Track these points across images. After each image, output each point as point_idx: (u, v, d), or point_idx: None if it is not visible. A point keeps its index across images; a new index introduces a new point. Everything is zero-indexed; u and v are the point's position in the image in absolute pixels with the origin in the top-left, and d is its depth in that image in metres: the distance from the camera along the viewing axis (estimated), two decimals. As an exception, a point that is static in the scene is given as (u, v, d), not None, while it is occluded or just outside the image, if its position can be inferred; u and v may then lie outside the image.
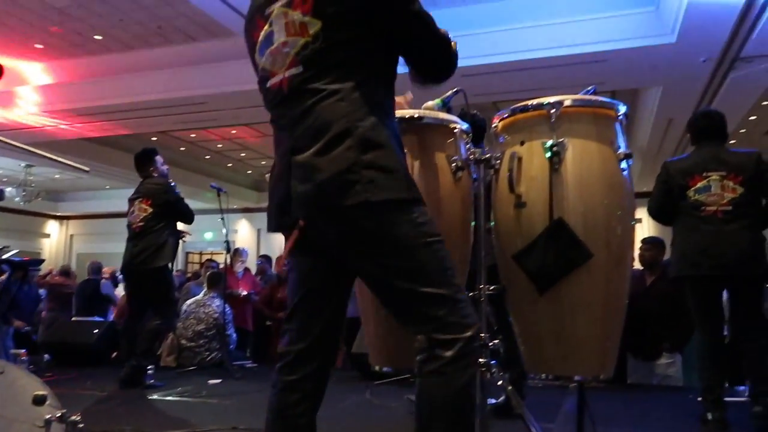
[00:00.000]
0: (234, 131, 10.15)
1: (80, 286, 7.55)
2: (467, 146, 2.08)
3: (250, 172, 13.54)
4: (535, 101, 1.99)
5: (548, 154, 1.92)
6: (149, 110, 8.21)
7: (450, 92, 2.22)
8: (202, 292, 5.88)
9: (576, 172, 1.91)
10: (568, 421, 2.48)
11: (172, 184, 4.49)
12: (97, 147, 10.44)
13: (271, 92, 1.53)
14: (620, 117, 2.03)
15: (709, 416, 2.89)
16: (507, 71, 6.45)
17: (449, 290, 1.37)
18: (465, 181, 2.03)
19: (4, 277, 4.88)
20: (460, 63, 1.61)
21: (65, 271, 8.05)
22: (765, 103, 7.74)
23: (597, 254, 1.88)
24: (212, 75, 7.34)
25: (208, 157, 12.06)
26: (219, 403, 3.71)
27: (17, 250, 4.46)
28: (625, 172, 1.98)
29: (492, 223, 2.11)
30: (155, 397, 3.87)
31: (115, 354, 5.55)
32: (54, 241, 17.20)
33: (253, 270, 7.58)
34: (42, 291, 7.94)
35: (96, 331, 5.59)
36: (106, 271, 8.33)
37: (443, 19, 1.60)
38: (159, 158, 4.59)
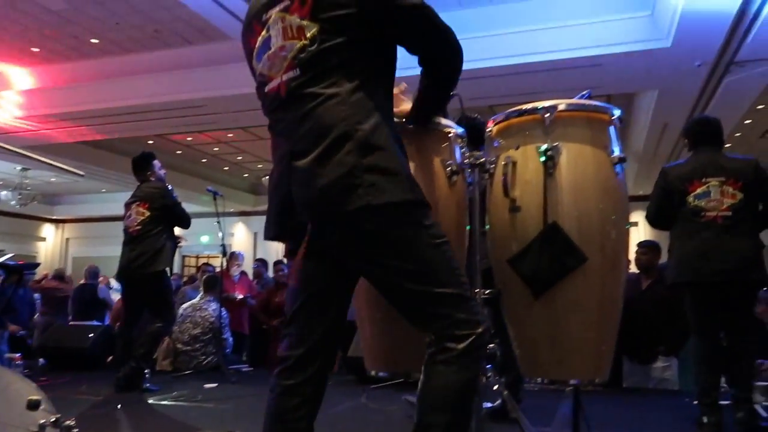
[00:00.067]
0: (230, 134, 10.15)
1: (77, 291, 7.54)
2: (462, 150, 2.09)
3: (246, 175, 13.54)
4: (529, 105, 2.00)
5: (542, 159, 1.92)
6: (145, 113, 8.20)
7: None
8: (199, 296, 5.87)
9: (570, 177, 1.91)
10: (564, 425, 2.49)
11: (170, 188, 4.49)
12: (93, 150, 10.43)
13: (268, 97, 1.53)
14: (614, 121, 2.04)
15: (705, 419, 2.90)
16: (503, 75, 6.47)
17: (459, 289, 1.40)
18: (460, 185, 2.03)
19: (-1, 280, 4.86)
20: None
21: (59, 275, 8.03)
22: (760, 106, 7.78)
23: (591, 258, 1.88)
24: (209, 78, 7.34)
25: (204, 160, 12.05)
26: (215, 407, 3.70)
27: (12, 254, 4.45)
28: (620, 176, 1.98)
29: (487, 227, 2.12)
30: (151, 401, 3.86)
31: (110, 358, 5.54)
32: (50, 245, 17.15)
33: (250, 273, 7.57)
34: (36, 295, 7.92)
35: (91, 335, 5.57)
36: (102, 281, 8.30)
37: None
38: (157, 162, 4.58)
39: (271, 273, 7.52)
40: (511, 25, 6.15)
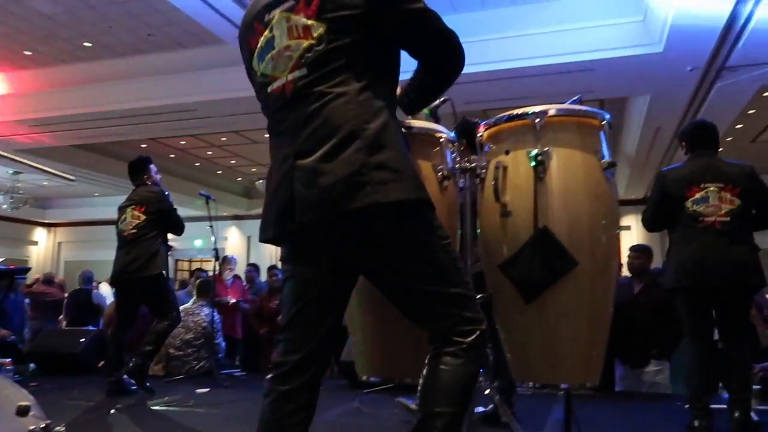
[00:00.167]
0: (224, 138, 10.14)
1: (72, 296, 7.49)
2: (454, 155, 2.09)
3: (240, 179, 13.52)
4: (519, 110, 2.01)
5: (533, 164, 1.93)
6: (138, 117, 8.17)
7: (438, 101, 2.23)
8: (191, 301, 5.85)
9: (560, 182, 1.92)
10: (556, 430, 2.49)
11: (166, 192, 4.48)
12: (86, 154, 10.38)
13: (272, 97, 1.52)
14: (604, 126, 2.05)
15: (696, 423, 2.91)
16: (496, 80, 6.49)
17: (465, 288, 1.44)
18: (451, 190, 2.04)
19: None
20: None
21: (48, 279, 7.97)
22: (751, 111, 7.82)
23: (582, 263, 1.89)
24: (202, 82, 7.33)
25: (198, 164, 12.02)
26: (207, 412, 3.68)
27: (4, 258, 4.42)
28: (610, 181, 1.99)
29: (479, 231, 2.12)
30: (142, 406, 3.84)
31: (102, 363, 5.50)
32: (42, 249, 17.06)
33: (243, 278, 7.54)
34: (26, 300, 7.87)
35: (82, 340, 5.53)
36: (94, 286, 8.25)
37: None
38: (153, 167, 4.57)
39: (263, 278, 7.50)
40: (504, 30, 6.17)
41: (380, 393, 3.73)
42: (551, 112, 1.97)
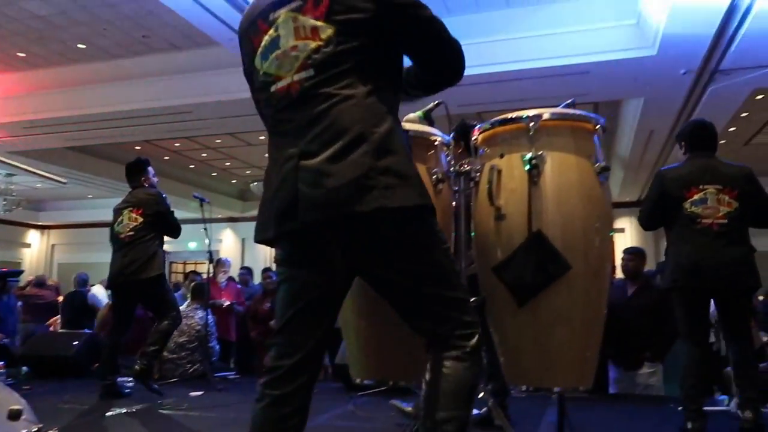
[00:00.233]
0: (218, 140, 10.12)
1: (67, 299, 7.45)
2: (448, 158, 2.10)
3: (235, 181, 13.49)
4: (514, 114, 2.02)
5: (527, 167, 1.94)
6: (133, 119, 8.15)
7: (432, 104, 2.23)
8: (185, 304, 5.82)
9: (554, 185, 1.93)
10: (550, 432, 2.49)
11: (164, 195, 4.46)
12: (79, 155, 10.34)
13: (275, 96, 1.50)
14: (598, 130, 2.06)
15: (689, 426, 2.91)
16: (490, 82, 6.49)
17: (462, 292, 1.47)
18: (446, 193, 2.04)
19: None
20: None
21: (40, 282, 7.94)
22: (744, 114, 7.87)
23: (575, 266, 1.89)
24: (197, 84, 7.32)
25: (192, 166, 12.00)
26: (200, 415, 3.67)
27: (-4, 261, 4.39)
28: (603, 185, 2.00)
29: (473, 234, 2.12)
30: (135, 410, 3.83)
31: (96, 366, 5.48)
32: (35, 251, 16.98)
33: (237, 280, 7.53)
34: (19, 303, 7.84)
35: (75, 342, 5.50)
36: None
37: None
38: (151, 169, 4.54)
39: (257, 280, 7.48)
40: (499, 33, 6.19)
41: (375, 396, 3.72)
42: (545, 116, 1.98)
